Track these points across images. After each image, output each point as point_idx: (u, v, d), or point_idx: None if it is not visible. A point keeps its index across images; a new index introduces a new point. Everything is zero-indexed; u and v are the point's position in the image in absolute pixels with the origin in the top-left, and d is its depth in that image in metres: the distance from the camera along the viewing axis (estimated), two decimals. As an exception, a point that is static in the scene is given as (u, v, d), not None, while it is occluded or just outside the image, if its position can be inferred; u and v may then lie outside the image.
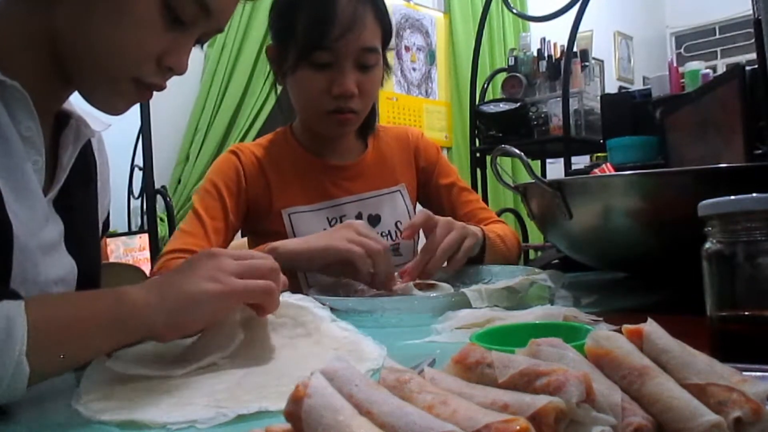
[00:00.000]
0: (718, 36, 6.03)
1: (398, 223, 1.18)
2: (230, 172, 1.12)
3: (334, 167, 1.16)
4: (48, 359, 0.48)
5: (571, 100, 2.62)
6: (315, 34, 1.01)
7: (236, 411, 0.43)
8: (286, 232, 1.10)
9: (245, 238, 1.24)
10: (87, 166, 0.77)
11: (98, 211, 0.80)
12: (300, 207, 1.12)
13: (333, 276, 0.93)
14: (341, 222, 1.12)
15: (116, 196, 2.96)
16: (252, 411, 0.43)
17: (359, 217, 1.14)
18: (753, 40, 1.40)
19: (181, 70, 0.67)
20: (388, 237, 1.15)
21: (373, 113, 1.20)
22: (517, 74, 2.95)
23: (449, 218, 0.96)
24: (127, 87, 0.65)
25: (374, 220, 1.15)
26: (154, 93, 0.68)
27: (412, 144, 1.26)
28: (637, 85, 5.44)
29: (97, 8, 0.60)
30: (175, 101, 2.89)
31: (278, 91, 1.18)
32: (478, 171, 2.93)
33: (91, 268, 0.74)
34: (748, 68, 1.40)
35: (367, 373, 0.50)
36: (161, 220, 2.74)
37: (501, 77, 3.11)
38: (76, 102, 0.72)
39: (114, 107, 0.67)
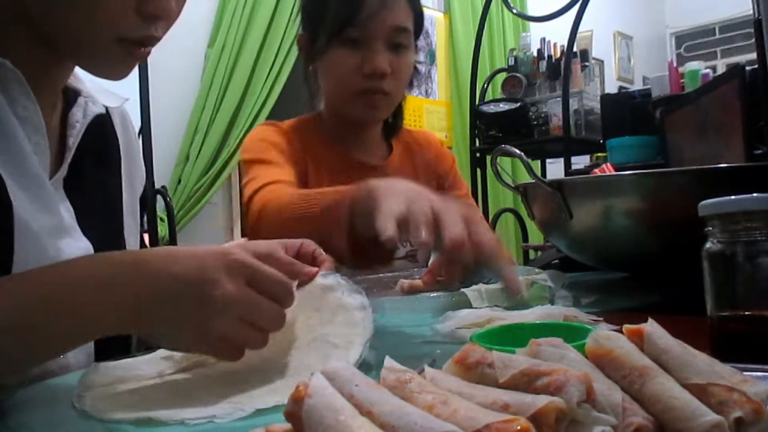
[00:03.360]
0: (718, 36, 6.03)
1: None
2: (275, 136, 1.07)
3: (364, 166, 1.15)
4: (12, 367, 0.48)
5: (571, 100, 2.62)
6: (348, 11, 1.02)
7: (254, 406, 0.43)
8: None
9: (244, 239, 1.23)
10: (104, 144, 0.75)
11: (123, 190, 0.77)
12: None
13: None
14: None
15: (116, 196, 2.94)
16: (270, 405, 0.43)
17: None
18: (753, 40, 1.40)
19: (167, 15, 0.60)
20: (408, 243, 1.14)
21: (399, 115, 1.20)
22: (517, 74, 2.95)
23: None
24: (115, 49, 0.60)
25: None
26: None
27: (432, 151, 1.25)
28: (637, 85, 5.44)
29: None
30: (175, 101, 2.89)
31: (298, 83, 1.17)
32: (478, 171, 2.93)
33: (109, 249, 0.72)
34: (748, 68, 1.40)
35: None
36: (161, 220, 2.74)
37: (501, 77, 3.11)
38: (91, 78, 0.69)
39: (112, 72, 0.63)
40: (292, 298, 0.51)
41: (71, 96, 0.71)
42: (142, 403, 0.46)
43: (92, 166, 0.71)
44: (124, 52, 0.61)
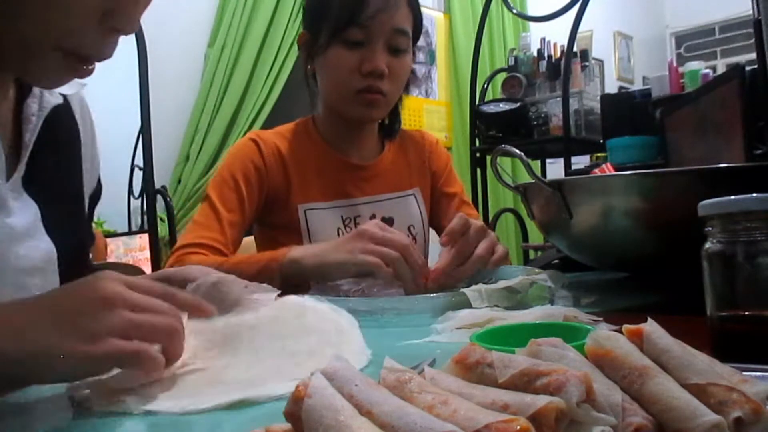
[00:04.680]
0: (718, 36, 6.03)
1: (411, 228, 1.17)
2: (249, 162, 1.10)
3: (354, 166, 1.16)
4: None
5: (571, 100, 2.62)
6: (349, 10, 1.03)
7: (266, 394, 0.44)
8: (300, 227, 1.09)
9: (250, 237, 1.23)
10: (64, 135, 0.71)
11: (83, 180, 0.73)
12: (317, 204, 1.11)
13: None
14: (355, 222, 1.12)
15: (116, 196, 2.96)
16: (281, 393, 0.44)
17: (373, 218, 1.14)
18: (753, 40, 1.40)
19: (130, 29, 0.56)
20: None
21: (397, 117, 1.22)
22: (517, 74, 2.95)
23: (481, 223, 0.94)
24: (58, 60, 0.55)
25: (387, 223, 1.15)
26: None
27: (427, 149, 1.26)
28: (637, 85, 5.45)
29: None
30: (175, 101, 2.89)
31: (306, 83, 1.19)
32: (478, 171, 2.93)
33: (75, 246, 0.69)
34: (748, 68, 1.40)
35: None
36: (161, 220, 2.74)
37: (501, 77, 3.11)
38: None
39: (46, 82, 0.60)
40: (177, 330, 0.48)
41: (25, 87, 0.66)
42: (145, 396, 0.45)
43: (52, 161, 0.67)
44: (66, 65, 0.56)
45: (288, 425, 0.29)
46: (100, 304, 0.44)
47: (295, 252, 0.91)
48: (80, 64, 0.57)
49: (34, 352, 0.42)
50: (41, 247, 0.63)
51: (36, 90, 0.66)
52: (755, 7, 1.28)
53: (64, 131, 0.72)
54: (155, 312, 0.46)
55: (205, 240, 1.01)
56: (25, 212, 0.63)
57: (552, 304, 0.73)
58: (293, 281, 0.87)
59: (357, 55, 1.05)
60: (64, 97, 0.72)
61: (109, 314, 0.44)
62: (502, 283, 0.77)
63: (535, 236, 3.20)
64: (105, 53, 0.57)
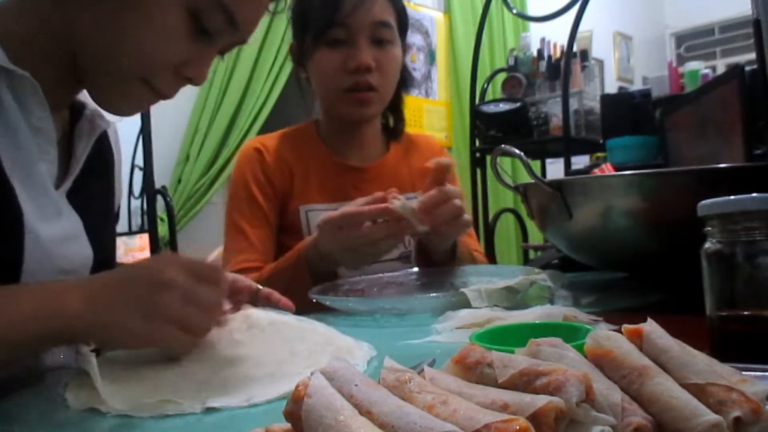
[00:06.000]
0: (717, 36, 6.03)
1: None
2: (258, 172, 1.12)
3: (354, 168, 1.17)
4: None
5: (571, 100, 2.62)
6: (327, 12, 1.04)
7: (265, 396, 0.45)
8: (302, 228, 1.10)
9: None
10: (104, 157, 0.77)
11: (114, 203, 0.80)
12: (317, 205, 1.12)
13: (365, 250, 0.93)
14: None
15: (116, 196, 2.94)
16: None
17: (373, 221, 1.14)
18: (753, 40, 1.40)
19: (199, 81, 0.66)
20: (401, 246, 1.14)
21: (400, 117, 1.22)
22: (517, 74, 2.95)
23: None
24: (138, 90, 0.64)
25: None
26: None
27: (431, 155, 1.26)
28: (637, 85, 5.44)
29: (122, 14, 0.59)
30: (175, 101, 2.86)
31: (300, 91, 1.21)
32: (478, 171, 2.93)
33: (107, 259, 0.75)
34: (747, 68, 1.40)
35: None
36: (161, 220, 2.74)
37: (501, 77, 3.11)
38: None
39: (120, 110, 0.67)
40: (225, 285, 0.57)
41: (77, 108, 0.72)
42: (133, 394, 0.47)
43: (93, 179, 0.73)
44: (142, 95, 0.64)
45: (288, 425, 0.29)
46: (159, 288, 0.52)
47: (307, 253, 0.94)
48: (155, 96, 0.65)
49: (105, 321, 0.51)
50: (83, 254, 0.68)
51: (88, 113, 0.72)
52: (755, 7, 1.28)
53: (104, 154, 0.77)
54: (201, 301, 0.54)
55: (243, 264, 1.03)
56: (69, 221, 0.67)
57: (552, 304, 0.73)
58: (322, 277, 0.92)
59: (341, 54, 1.06)
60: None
61: (166, 296, 0.52)
62: (501, 283, 0.77)
63: (535, 236, 3.20)
64: (170, 95, 0.66)
